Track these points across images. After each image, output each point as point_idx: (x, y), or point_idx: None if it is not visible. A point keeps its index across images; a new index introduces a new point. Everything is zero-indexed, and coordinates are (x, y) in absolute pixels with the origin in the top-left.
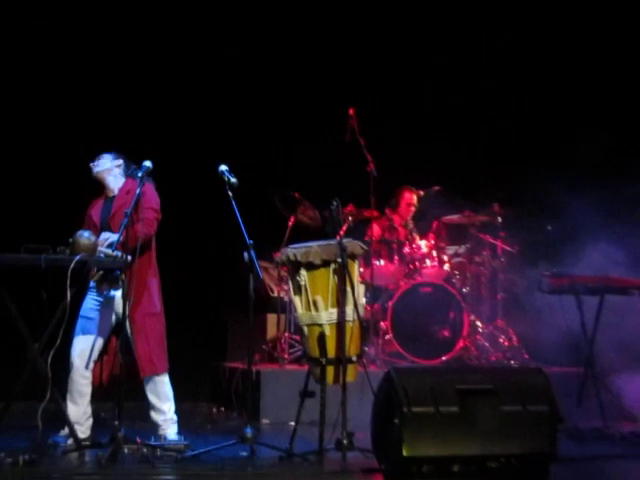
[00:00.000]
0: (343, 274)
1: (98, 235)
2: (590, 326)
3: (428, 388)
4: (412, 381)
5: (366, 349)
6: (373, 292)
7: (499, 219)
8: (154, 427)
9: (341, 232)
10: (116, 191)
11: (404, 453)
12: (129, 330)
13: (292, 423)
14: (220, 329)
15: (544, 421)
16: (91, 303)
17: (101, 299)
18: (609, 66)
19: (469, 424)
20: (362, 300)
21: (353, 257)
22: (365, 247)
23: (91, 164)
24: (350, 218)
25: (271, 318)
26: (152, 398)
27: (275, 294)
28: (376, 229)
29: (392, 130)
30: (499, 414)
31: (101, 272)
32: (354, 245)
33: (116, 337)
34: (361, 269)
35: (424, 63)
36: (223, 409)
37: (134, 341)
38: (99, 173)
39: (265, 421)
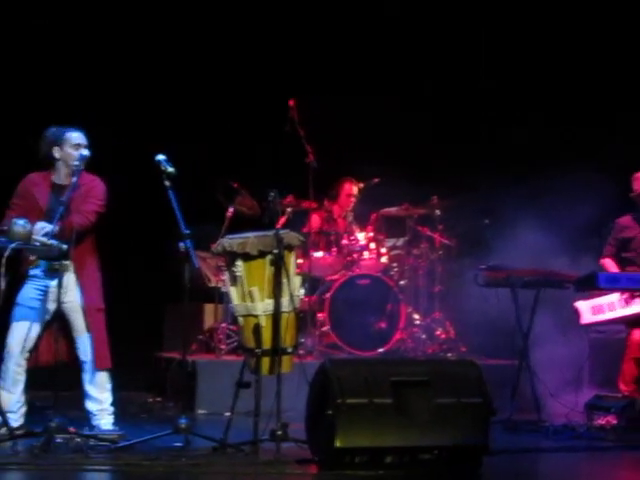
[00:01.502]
0: (279, 265)
1: (35, 221)
2: (526, 319)
3: (362, 379)
4: (346, 372)
5: (303, 340)
6: (311, 283)
7: (437, 212)
8: (89, 417)
9: (279, 223)
10: (67, 180)
11: (337, 444)
12: (78, 322)
13: (228, 414)
14: (157, 319)
15: (477, 413)
16: (31, 292)
17: (41, 288)
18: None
19: (403, 416)
20: (299, 291)
21: (290, 248)
22: (302, 238)
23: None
24: (289, 209)
25: (208, 308)
26: (89, 387)
27: (213, 284)
28: (315, 220)
29: (333, 121)
30: (433, 406)
31: (41, 261)
32: (291, 236)
33: (55, 325)
34: (299, 260)
35: (369, 53)
36: (159, 399)
37: (89, 335)
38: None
39: (201, 411)
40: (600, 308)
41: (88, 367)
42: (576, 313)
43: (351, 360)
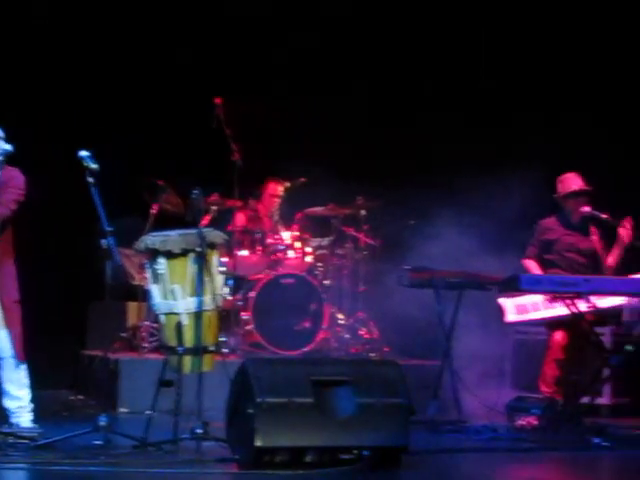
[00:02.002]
0: (202, 263)
1: None
2: (448, 320)
3: (283, 379)
4: (267, 372)
5: (226, 339)
6: (235, 282)
7: (363, 212)
8: (8, 414)
9: (203, 221)
10: None
11: (257, 443)
12: None
13: (149, 412)
14: (81, 316)
15: (397, 413)
16: None
17: None
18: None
19: (323, 415)
20: (222, 290)
21: (213, 246)
22: (225, 237)
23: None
24: (214, 207)
25: (132, 306)
26: (7, 384)
27: (137, 282)
28: (241, 219)
29: (259, 121)
30: (353, 405)
31: None
32: (214, 234)
33: None
34: (225, 259)
35: (298, 52)
36: (82, 397)
37: (7, 331)
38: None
39: (123, 410)
40: (524, 308)
41: (6, 364)
42: (500, 310)
43: (272, 359)
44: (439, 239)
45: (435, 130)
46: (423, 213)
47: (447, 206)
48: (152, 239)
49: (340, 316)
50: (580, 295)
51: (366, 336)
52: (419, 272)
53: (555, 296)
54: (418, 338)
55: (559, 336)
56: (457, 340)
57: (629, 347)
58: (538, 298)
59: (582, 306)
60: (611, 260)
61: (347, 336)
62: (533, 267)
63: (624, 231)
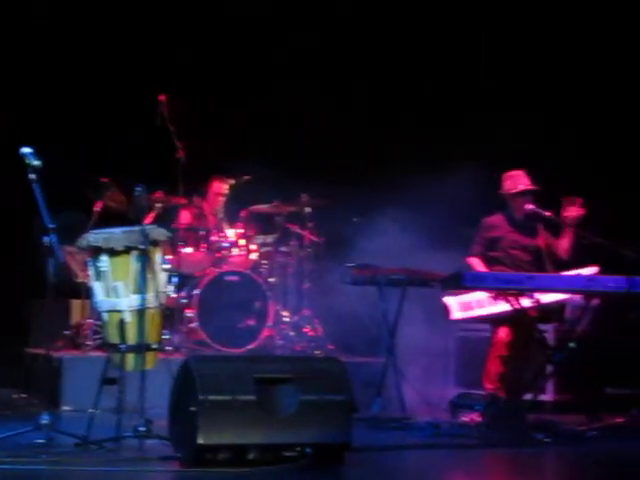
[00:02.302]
0: (145, 261)
1: None
2: (392, 317)
3: (225, 376)
4: (210, 369)
5: (170, 337)
6: (179, 280)
7: (307, 210)
8: None
9: (147, 218)
10: None
11: (200, 441)
12: None
13: (93, 410)
14: (23, 314)
15: (340, 410)
16: None
17: None
18: None
19: (266, 413)
20: (165, 287)
21: (156, 244)
22: (168, 234)
23: None
24: (158, 205)
25: (75, 303)
26: None
27: (80, 279)
28: (185, 216)
29: (205, 118)
30: (296, 403)
31: None
32: (157, 232)
33: None
34: (169, 256)
35: (244, 51)
36: (25, 395)
37: None
38: None
39: (66, 408)
40: (468, 305)
41: None
42: (445, 309)
43: (215, 357)
44: (383, 236)
45: (381, 128)
46: (367, 211)
47: (391, 204)
48: (95, 236)
49: (285, 314)
50: (523, 292)
51: (310, 334)
52: (362, 269)
53: (499, 293)
54: (362, 335)
55: (503, 333)
56: (401, 337)
57: (572, 344)
58: (482, 295)
59: (526, 303)
60: (562, 249)
61: (292, 334)
62: (477, 264)
63: (569, 212)
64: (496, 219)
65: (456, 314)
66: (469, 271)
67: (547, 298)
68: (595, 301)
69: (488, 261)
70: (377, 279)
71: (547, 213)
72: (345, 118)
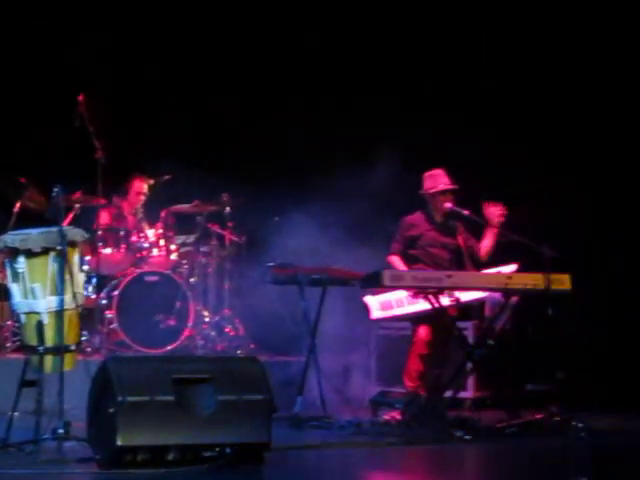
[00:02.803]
0: (62, 262)
1: None
2: (313, 316)
3: (144, 377)
4: (128, 370)
5: (90, 338)
6: (99, 280)
7: (228, 209)
8: None
9: (66, 219)
10: None
11: (118, 442)
12: None
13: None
14: None
15: (259, 410)
16: None
17: None
18: None
19: (185, 413)
20: (83, 288)
21: (73, 245)
22: (86, 235)
23: None
24: (77, 205)
25: None
26: None
27: None
28: (104, 217)
29: (125, 117)
30: (215, 403)
31: None
32: (74, 232)
33: None
34: (88, 257)
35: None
36: None
37: None
38: None
39: None
40: (389, 304)
41: None
42: (365, 308)
43: (133, 357)
44: (304, 235)
45: (300, 126)
46: (288, 209)
47: (312, 202)
48: (12, 238)
49: (205, 314)
50: (443, 290)
51: (232, 333)
52: (283, 269)
53: (418, 292)
54: (283, 335)
55: (423, 331)
56: (322, 336)
57: (491, 341)
58: (402, 294)
59: (445, 301)
60: (484, 250)
61: (213, 334)
62: (397, 263)
63: (491, 212)
64: (416, 217)
65: (376, 313)
66: (389, 270)
67: (466, 296)
68: (514, 299)
69: (408, 259)
70: (298, 278)
71: (466, 212)
72: (264, 116)
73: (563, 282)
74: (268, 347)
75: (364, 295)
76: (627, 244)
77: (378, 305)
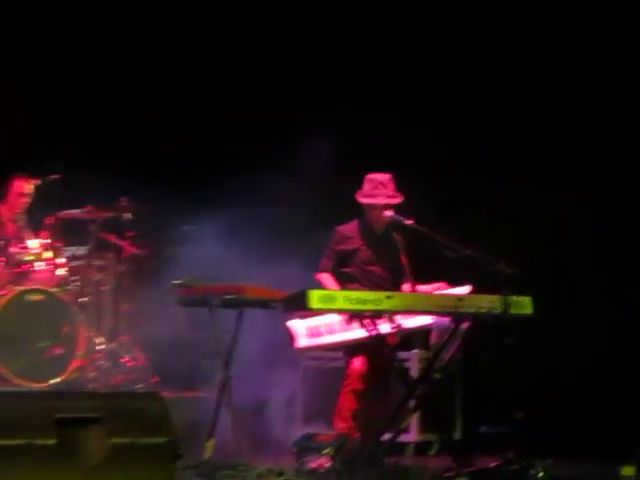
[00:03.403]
0: None
1: None
2: (227, 344)
3: (21, 417)
4: (2, 409)
5: None
6: None
7: (128, 216)
8: None
9: None
10: None
11: None
12: None
13: None
14: None
15: (160, 456)
16: None
17: None
18: None
19: (70, 459)
20: None
21: None
22: None
23: None
24: None
25: None
26: None
27: None
28: None
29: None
30: (107, 447)
31: None
32: None
33: None
34: None
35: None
36: None
37: None
38: None
39: None
40: (317, 330)
41: None
42: (290, 335)
43: (9, 393)
44: (217, 248)
45: (214, 121)
46: (199, 216)
47: (227, 208)
48: None
49: (99, 340)
50: (381, 314)
51: (130, 364)
52: (192, 288)
53: (352, 316)
54: (192, 366)
55: (358, 363)
56: (238, 367)
57: (438, 375)
58: (334, 318)
59: (384, 328)
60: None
61: (107, 364)
62: (327, 281)
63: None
64: (351, 228)
65: (303, 341)
66: (317, 290)
67: (410, 322)
68: (465, 324)
69: (341, 278)
70: (209, 299)
71: (409, 221)
72: (170, 112)
73: (523, 305)
74: (173, 381)
75: (288, 319)
76: (595, 261)
77: (305, 331)
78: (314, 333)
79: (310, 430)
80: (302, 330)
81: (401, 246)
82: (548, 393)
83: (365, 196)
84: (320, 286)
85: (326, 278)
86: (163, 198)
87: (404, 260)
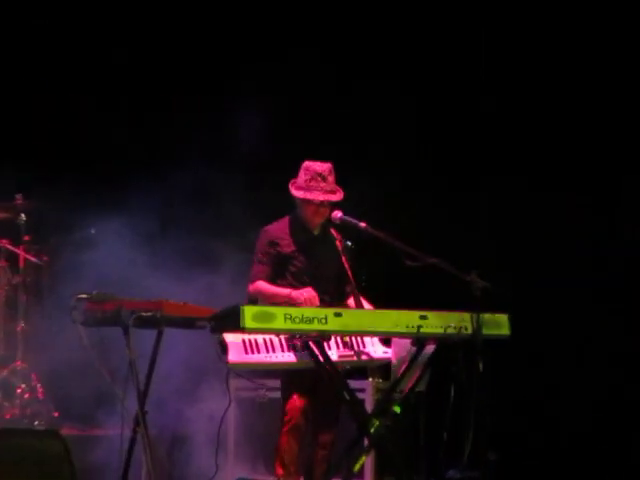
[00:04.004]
0: None
1: None
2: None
3: None
4: None
5: None
6: None
7: (23, 217)
8: None
9: None
10: None
11: None
12: None
13: None
14: None
15: None
16: None
17: None
18: None
19: None
20: None
21: None
22: None
23: None
24: None
25: None
26: None
27: None
28: None
29: None
30: None
31: None
32: None
33: None
34: None
35: None
36: None
37: None
38: None
39: None
40: (256, 345)
41: None
42: (222, 346)
43: None
44: (131, 254)
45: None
46: (108, 218)
47: (144, 210)
48: None
49: None
50: (328, 335)
51: (26, 396)
52: (100, 303)
53: (293, 337)
54: (100, 398)
55: (299, 394)
56: (157, 398)
57: (397, 408)
58: (270, 340)
59: (332, 352)
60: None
61: None
62: (269, 287)
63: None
64: (280, 228)
65: (236, 355)
66: (252, 305)
67: (370, 348)
68: (430, 347)
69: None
70: (122, 317)
71: (362, 224)
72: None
73: (499, 324)
74: (77, 415)
75: (215, 340)
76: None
77: (241, 343)
78: (251, 348)
79: (242, 475)
80: (237, 342)
81: (343, 250)
82: (529, 429)
83: (300, 188)
84: (258, 299)
85: (264, 286)
86: (66, 196)
87: (347, 267)
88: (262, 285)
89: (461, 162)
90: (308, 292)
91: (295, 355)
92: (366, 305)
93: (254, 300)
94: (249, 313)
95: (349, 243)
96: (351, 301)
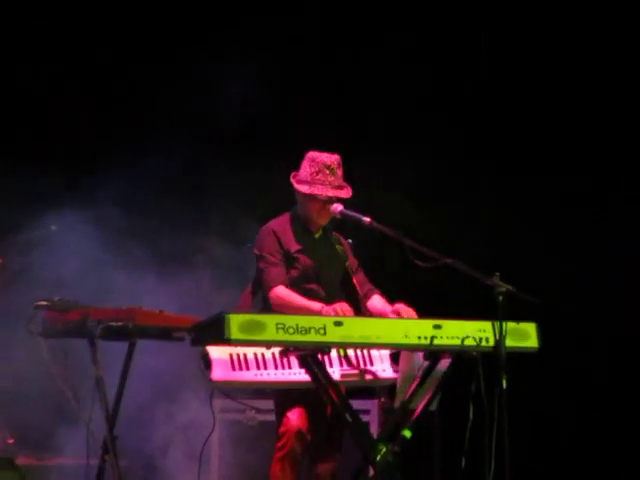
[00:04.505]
0: None
1: None
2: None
3: None
4: None
5: None
6: None
7: None
8: None
9: None
10: None
11: None
12: None
13: None
14: None
15: None
16: None
17: None
18: None
19: None
20: None
21: None
22: None
23: None
24: None
25: None
26: None
27: None
28: None
29: None
30: None
31: None
32: None
33: None
34: None
35: None
36: None
37: None
38: None
39: None
40: (244, 360)
41: None
42: (206, 361)
43: None
44: (99, 254)
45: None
46: (70, 212)
47: (111, 203)
48: None
49: None
50: (327, 348)
51: None
52: (63, 311)
53: (287, 350)
54: (63, 421)
55: (295, 417)
56: (128, 421)
57: (407, 432)
58: (261, 355)
59: (334, 370)
60: (371, 309)
61: None
62: (293, 296)
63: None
64: (282, 225)
65: (221, 372)
66: (238, 313)
67: (378, 366)
68: (444, 361)
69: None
70: (87, 327)
71: (366, 219)
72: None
73: (526, 335)
74: (36, 442)
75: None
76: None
77: (228, 358)
78: (239, 364)
79: None
80: (222, 357)
81: (347, 251)
82: (552, 450)
83: (303, 182)
84: (283, 307)
85: (287, 293)
86: (20, 184)
87: (356, 269)
88: (284, 293)
89: (477, 161)
90: (342, 306)
91: (289, 374)
92: (387, 307)
93: (278, 310)
94: (235, 322)
95: (350, 241)
96: (375, 301)
